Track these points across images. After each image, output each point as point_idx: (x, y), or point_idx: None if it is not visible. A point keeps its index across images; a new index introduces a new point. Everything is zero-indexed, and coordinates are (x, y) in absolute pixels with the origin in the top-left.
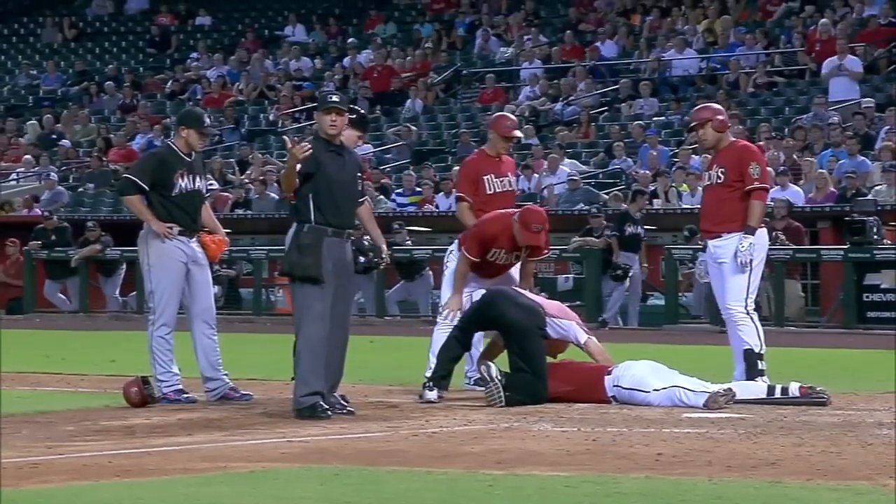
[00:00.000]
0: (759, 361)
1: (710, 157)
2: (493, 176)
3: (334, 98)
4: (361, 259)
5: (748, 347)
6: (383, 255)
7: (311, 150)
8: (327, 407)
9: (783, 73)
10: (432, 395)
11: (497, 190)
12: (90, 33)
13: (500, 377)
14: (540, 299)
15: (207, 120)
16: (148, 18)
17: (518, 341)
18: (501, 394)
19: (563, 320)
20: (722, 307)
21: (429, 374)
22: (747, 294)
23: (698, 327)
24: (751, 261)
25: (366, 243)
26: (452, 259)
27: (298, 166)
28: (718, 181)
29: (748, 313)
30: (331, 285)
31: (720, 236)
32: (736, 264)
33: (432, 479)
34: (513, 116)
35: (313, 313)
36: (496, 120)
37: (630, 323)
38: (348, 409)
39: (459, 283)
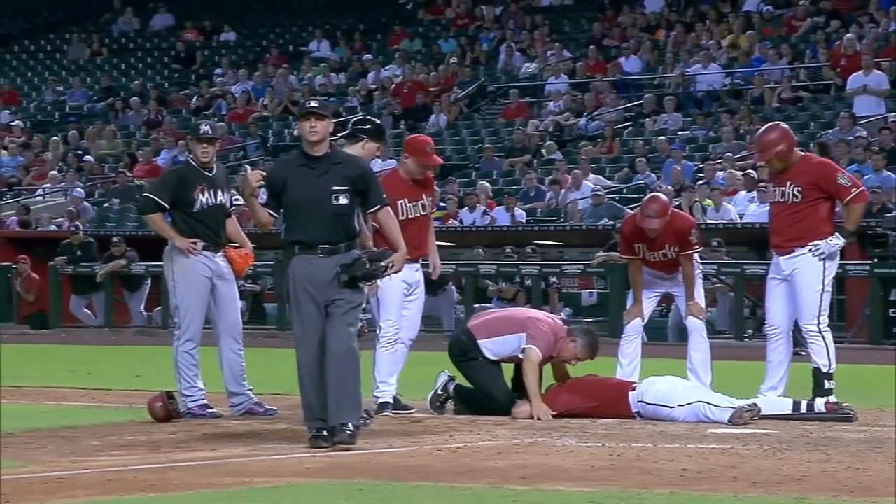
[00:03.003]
0: (826, 381)
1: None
2: (643, 248)
3: (312, 103)
4: (338, 269)
5: (816, 366)
6: (383, 263)
7: (262, 182)
8: (311, 434)
9: (808, 88)
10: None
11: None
12: (116, 49)
13: (442, 390)
14: (486, 318)
15: (205, 127)
16: (173, 34)
17: None
18: (437, 403)
19: (496, 338)
20: (776, 321)
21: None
22: (819, 311)
23: (723, 342)
24: (823, 279)
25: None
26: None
27: (261, 195)
28: (795, 199)
29: (820, 332)
30: (307, 306)
31: (792, 252)
32: (808, 281)
33: (456, 495)
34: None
35: (295, 336)
36: None
37: (670, 339)
38: (347, 435)
39: (398, 237)
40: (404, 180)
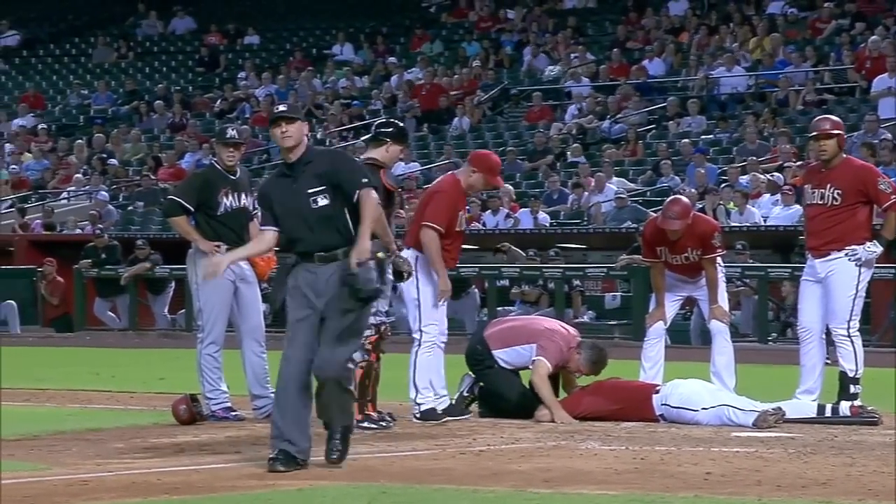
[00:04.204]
0: (851, 385)
1: (798, 173)
2: (665, 251)
3: (281, 108)
4: (345, 278)
5: (843, 370)
6: (385, 277)
7: (213, 273)
8: (273, 457)
9: (833, 91)
10: None
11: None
12: (140, 53)
13: (468, 391)
14: (500, 327)
15: (231, 131)
16: (197, 38)
17: None
18: (463, 405)
19: (509, 348)
20: (808, 323)
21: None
22: (850, 316)
23: (747, 346)
24: (857, 284)
25: (397, 260)
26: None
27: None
28: (834, 203)
29: (850, 336)
30: (303, 312)
31: (828, 255)
32: (842, 284)
33: (479, 498)
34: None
35: (287, 346)
36: None
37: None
38: (333, 456)
39: (439, 263)
40: (464, 192)
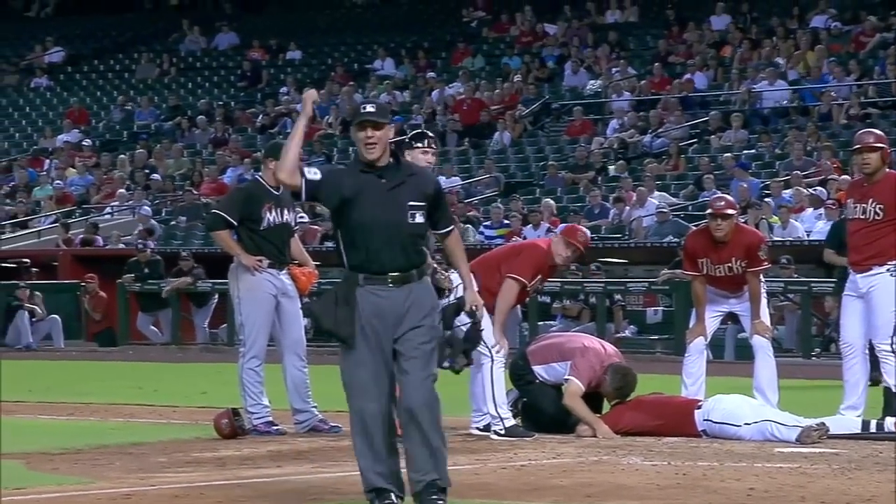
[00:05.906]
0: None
1: (842, 187)
2: (707, 263)
3: (368, 108)
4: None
5: (887, 385)
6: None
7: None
8: None
9: (877, 105)
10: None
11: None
12: (183, 69)
13: (512, 406)
14: (541, 344)
15: None
16: (239, 53)
17: None
18: (501, 426)
19: (547, 364)
20: (851, 339)
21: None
22: (894, 332)
23: (790, 361)
24: None
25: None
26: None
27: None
28: (876, 217)
29: (893, 351)
30: (377, 350)
31: (870, 269)
32: (884, 300)
33: None
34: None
35: (358, 384)
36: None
37: (726, 356)
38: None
39: (504, 316)
40: (551, 260)
